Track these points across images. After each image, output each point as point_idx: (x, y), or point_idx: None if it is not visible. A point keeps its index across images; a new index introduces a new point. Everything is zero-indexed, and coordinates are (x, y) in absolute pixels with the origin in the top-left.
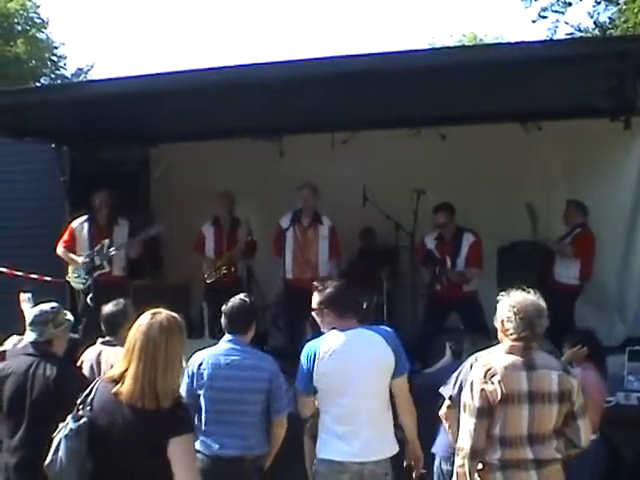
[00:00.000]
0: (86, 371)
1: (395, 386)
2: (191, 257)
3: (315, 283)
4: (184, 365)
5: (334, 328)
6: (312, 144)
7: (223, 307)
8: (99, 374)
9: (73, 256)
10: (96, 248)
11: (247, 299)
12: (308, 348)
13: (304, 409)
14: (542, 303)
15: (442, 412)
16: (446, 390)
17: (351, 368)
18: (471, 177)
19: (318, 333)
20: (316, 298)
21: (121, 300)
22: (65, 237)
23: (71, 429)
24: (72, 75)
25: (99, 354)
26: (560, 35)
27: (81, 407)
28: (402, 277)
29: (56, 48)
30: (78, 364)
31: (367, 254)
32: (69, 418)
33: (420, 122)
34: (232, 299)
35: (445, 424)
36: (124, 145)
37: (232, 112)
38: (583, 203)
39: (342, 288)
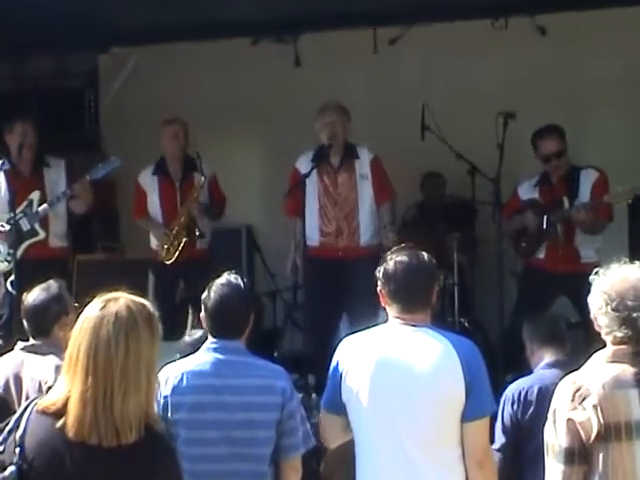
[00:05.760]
0: None
1: (466, 435)
2: None
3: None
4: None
5: (397, 318)
6: (343, 46)
7: (203, 296)
8: (19, 396)
9: None
10: (21, 207)
11: (239, 281)
12: (340, 348)
13: (325, 433)
14: None
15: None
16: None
17: (395, 391)
18: (586, 92)
19: (358, 330)
20: (377, 274)
21: (52, 282)
22: None
23: None
24: None
25: (20, 366)
26: None
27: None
28: (482, 246)
29: None
30: None
31: (429, 212)
32: None
33: (508, 8)
34: (215, 284)
35: None
36: (60, 51)
37: None
38: None
39: (414, 262)
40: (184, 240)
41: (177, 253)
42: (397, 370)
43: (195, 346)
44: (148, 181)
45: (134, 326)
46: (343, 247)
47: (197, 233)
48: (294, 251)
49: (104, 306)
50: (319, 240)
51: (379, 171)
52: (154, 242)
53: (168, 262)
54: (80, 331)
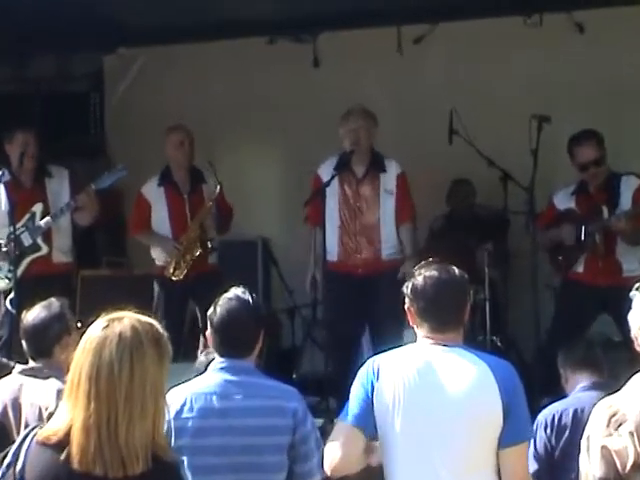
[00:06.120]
0: None
1: (503, 461)
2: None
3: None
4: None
5: (427, 338)
6: (365, 46)
7: (209, 312)
8: (18, 423)
9: None
10: (22, 221)
11: (247, 295)
12: (369, 364)
13: (342, 451)
14: None
15: None
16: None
17: (428, 416)
18: (627, 93)
19: (382, 350)
20: (404, 290)
21: (53, 300)
22: None
23: None
24: None
25: (18, 391)
26: None
27: None
28: (515, 258)
29: None
30: None
31: (458, 222)
32: None
33: (543, 4)
34: (222, 298)
35: None
36: (63, 51)
37: None
38: None
39: (445, 277)
40: (198, 253)
41: (188, 268)
42: (430, 394)
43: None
44: (154, 193)
45: (139, 347)
46: (363, 262)
47: (210, 246)
48: (313, 265)
49: (107, 326)
50: (338, 254)
51: (404, 187)
52: (161, 257)
53: (177, 278)
54: (82, 353)
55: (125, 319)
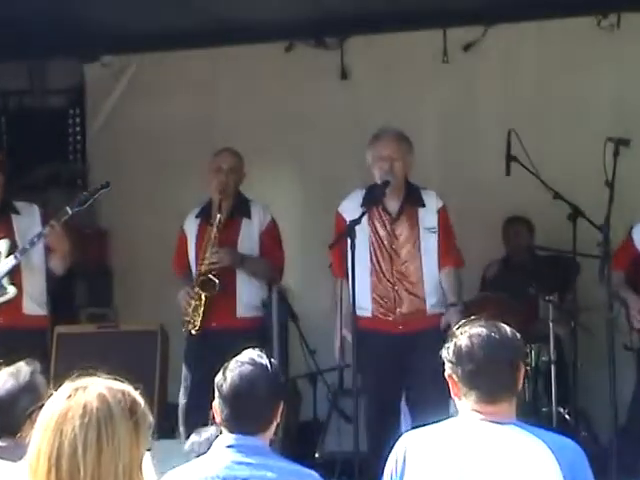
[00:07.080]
0: None
1: None
2: (167, 277)
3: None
4: None
5: (475, 412)
6: (403, 53)
7: (217, 379)
8: None
9: None
10: None
11: (266, 360)
12: (398, 447)
13: None
14: None
15: None
16: None
17: None
18: None
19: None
20: (444, 354)
21: (23, 366)
22: None
23: None
24: None
25: None
26: None
27: None
28: (587, 313)
29: None
30: None
31: (517, 268)
32: None
33: (620, 1)
34: (235, 362)
35: None
36: (36, 60)
37: None
38: None
39: (495, 336)
40: (203, 299)
41: (200, 319)
42: (479, 475)
43: (205, 448)
44: (191, 225)
45: (108, 421)
46: (403, 318)
47: (212, 283)
48: (342, 325)
49: (70, 396)
50: (372, 309)
51: (446, 223)
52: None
53: (194, 332)
54: (40, 429)
55: (91, 387)
